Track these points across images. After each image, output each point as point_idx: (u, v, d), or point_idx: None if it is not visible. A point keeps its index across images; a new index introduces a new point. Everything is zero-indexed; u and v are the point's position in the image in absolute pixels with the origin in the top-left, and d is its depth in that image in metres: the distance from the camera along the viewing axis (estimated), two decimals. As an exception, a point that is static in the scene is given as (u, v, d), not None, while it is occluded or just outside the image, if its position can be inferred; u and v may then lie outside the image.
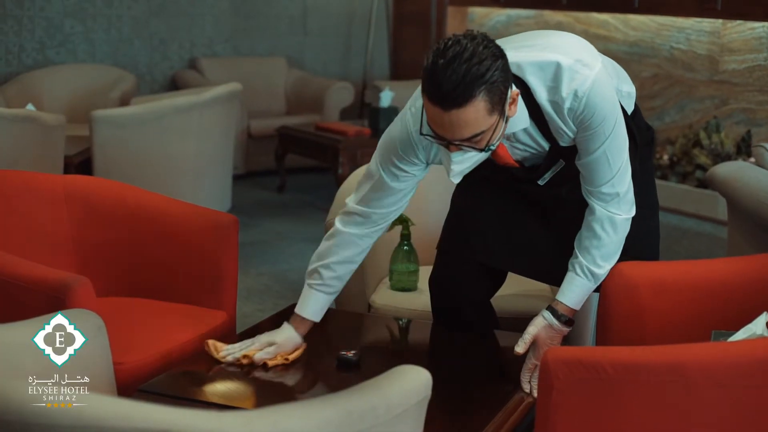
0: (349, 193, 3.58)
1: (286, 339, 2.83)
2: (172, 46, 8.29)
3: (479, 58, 2.34)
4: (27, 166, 4.58)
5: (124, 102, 6.97)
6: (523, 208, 3.01)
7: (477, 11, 8.99)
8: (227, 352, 2.80)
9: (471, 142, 2.43)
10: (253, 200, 7.38)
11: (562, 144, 2.68)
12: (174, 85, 8.18)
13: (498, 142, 2.52)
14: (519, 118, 2.59)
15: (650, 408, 2.12)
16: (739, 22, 6.76)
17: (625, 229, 2.76)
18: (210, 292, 3.38)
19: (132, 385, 2.72)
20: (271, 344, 2.81)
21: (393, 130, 2.75)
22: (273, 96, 8.51)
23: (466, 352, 3.01)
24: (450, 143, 2.45)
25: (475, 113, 2.36)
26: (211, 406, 2.48)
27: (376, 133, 7.06)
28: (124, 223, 3.49)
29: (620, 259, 2.88)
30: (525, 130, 2.65)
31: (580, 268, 2.78)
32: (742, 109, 6.84)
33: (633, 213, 2.76)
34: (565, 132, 2.64)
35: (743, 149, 6.72)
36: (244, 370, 2.76)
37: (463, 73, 2.32)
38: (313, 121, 7.72)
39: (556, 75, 2.54)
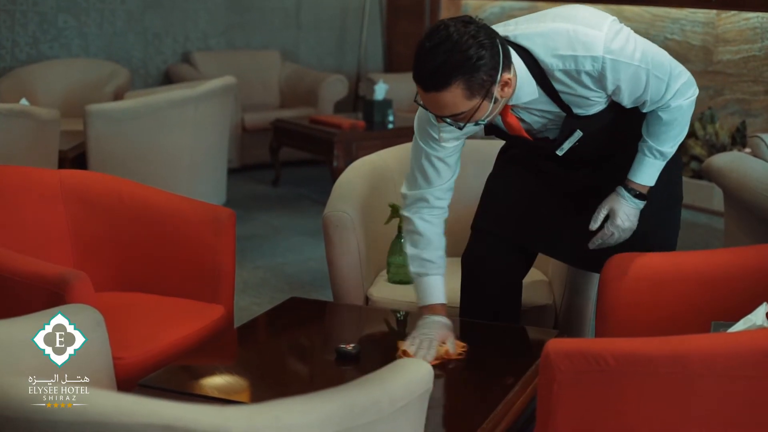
0: (347, 187, 3.61)
1: (445, 326, 2.85)
2: (166, 40, 8.27)
3: (462, 47, 2.45)
4: (21, 161, 4.56)
5: (118, 96, 6.95)
6: (557, 193, 3.06)
7: (471, 3, 8.98)
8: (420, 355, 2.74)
9: (452, 119, 2.56)
10: (248, 194, 7.37)
11: (579, 112, 2.75)
12: (168, 79, 8.15)
13: (490, 119, 2.63)
14: (524, 91, 2.68)
15: (652, 399, 2.12)
16: (733, 12, 6.75)
17: (691, 107, 2.84)
18: (207, 286, 3.38)
19: (131, 379, 2.72)
20: (444, 339, 2.81)
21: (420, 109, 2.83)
22: (267, 89, 8.49)
23: (465, 344, 3.01)
24: (436, 116, 2.59)
25: (453, 98, 2.49)
26: (211, 400, 2.47)
27: (371, 126, 7.05)
28: (121, 217, 3.48)
29: (642, 247, 2.94)
30: (538, 100, 2.73)
31: (648, 150, 2.87)
32: (737, 99, 6.83)
33: (695, 90, 2.83)
34: (590, 98, 2.71)
35: (738, 140, 6.72)
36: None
37: (441, 62, 2.45)
38: (308, 114, 7.70)
39: (565, 43, 2.61)
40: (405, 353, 2.73)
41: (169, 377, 2.65)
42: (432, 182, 2.91)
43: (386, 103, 7.13)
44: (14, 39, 7.46)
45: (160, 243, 3.44)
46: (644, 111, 2.80)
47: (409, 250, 2.97)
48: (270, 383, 2.68)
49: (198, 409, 1.60)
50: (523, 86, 2.66)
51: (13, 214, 3.42)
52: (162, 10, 8.18)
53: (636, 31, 2.75)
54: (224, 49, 8.58)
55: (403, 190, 2.98)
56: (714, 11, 6.87)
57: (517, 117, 2.80)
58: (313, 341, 3.10)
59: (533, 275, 3.52)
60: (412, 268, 2.96)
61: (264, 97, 8.42)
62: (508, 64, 2.56)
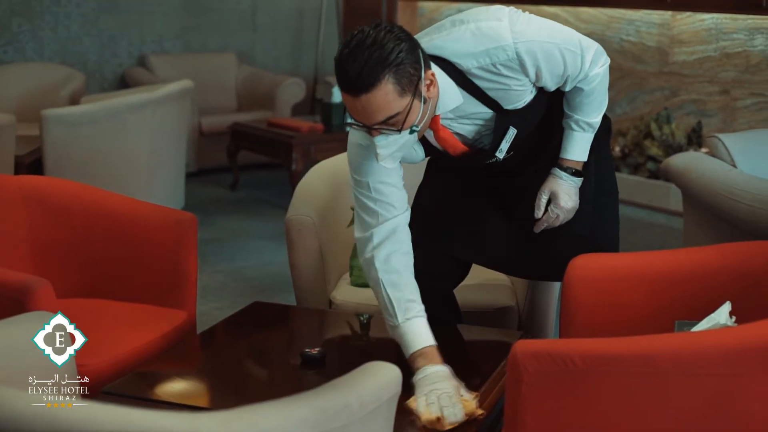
0: (308, 190, 3.61)
1: (451, 377, 2.56)
2: (122, 44, 8.21)
3: (381, 43, 2.42)
4: (-23, 167, 4.53)
5: (74, 101, 6.90)
6: (488, 201, 3.05)
7: (427, 5, 9.00)
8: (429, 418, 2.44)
9: (387, 124, 2.49)
10: (206, 198, 7.34)
11: (508, 107, 2.73)
12: (124, 83, 8.10)
13: (424, 124, 2.58)
14: (448, 97, 2.66)
15: (620, 399, 2.13)
16: (688, 13, 6.81)
17: (606, 75, 2.84)
18: (170, 291, 3.36)
19: (94, 386, 2.68)
20: (451, 393, 2.49)
21: (350, 140, 2.77)
22: (224, 92, 8.46)
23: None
24: (370, 129, 2.51)
25: (384, 96, 2.43)
26: (176, 407, 2.45)
27: (330, 128, 7.05)
28: (82, 223, 3.45)
29: (583, 248, 2.93)
30: (465, 103, 2.71)
31: (576, 123, 2.87)
32: (693, 100, 6.90)
33: (607, 58, 2.82)
34: (513, 88, 2.69)
35: (694, 140, 6.78)
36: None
37: (366, 59, 2.40)
38: (265, 117, 7.68)
39: (473, 41, 2.61)
40: (425, 418, 2.41)
41: (134, 384, 2.63)
42: (395, 207, 2.73)
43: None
44: (-33, 43, 7.39)
45: (122, 249, 3.42)
46: (567, 89, 2.81)
47: (392, 292, 2.67)
48: (236, 389, 2.67)
49: (172, 416, 1.59)
50: (446, 91, 2.65)
51: (-28, 220, 3.39)
52: (117, 13, 8.12)
53: (592, 33, 2.78)
54: (180, 52, 8.53)
55: (358, 233, 2.75)
56: (669, 12, 6.93)
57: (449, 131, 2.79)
58: (277, 346, 3.08)
59: (496, 277, 3.53)
60: (399, 315, 2.66)
61: (221, 100, 8.39)
62: (428, 62, 2.56)
